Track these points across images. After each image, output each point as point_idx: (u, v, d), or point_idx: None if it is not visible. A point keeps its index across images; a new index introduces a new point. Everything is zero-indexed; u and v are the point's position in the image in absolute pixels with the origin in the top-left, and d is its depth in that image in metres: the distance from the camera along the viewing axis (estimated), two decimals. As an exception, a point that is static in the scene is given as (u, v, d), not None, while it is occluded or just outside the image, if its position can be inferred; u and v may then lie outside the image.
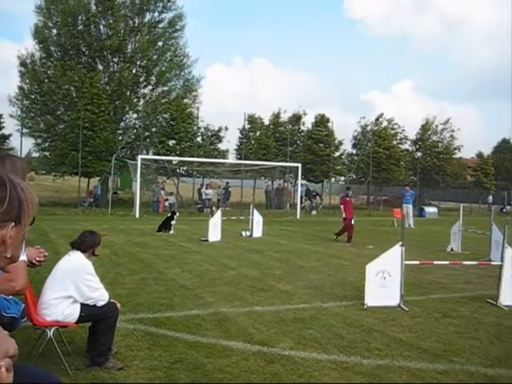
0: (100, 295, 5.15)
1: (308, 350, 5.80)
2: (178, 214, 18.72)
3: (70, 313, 5.00)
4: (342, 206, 17.59)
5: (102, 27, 33.23)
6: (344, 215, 17.28)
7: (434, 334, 6.56)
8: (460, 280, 10.50)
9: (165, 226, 17.94)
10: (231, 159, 35.07)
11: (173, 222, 17.94)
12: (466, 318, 7.47)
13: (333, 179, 39.47)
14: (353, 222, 17.08)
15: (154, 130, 33.61)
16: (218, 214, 16.76)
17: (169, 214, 18.56)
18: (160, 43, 34.91)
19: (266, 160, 32.85)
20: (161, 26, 35.05)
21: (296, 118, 38.71)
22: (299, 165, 30.72)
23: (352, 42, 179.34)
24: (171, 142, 32.04)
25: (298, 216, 28.57)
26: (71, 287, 5.00)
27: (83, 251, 5.21)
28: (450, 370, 5.30)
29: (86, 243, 5.26)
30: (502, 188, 47.93)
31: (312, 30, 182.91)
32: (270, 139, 35.36)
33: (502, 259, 8.31)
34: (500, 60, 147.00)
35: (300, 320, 6.99)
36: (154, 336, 6.07)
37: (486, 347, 6.12)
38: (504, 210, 40.33)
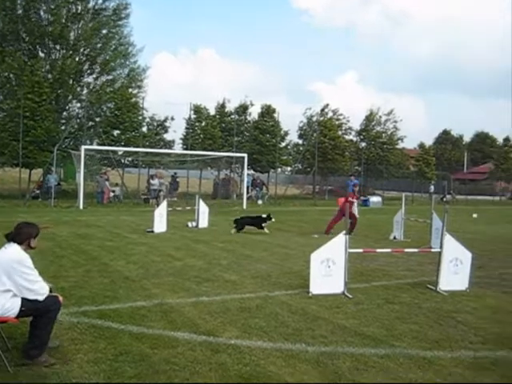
0: (39, 288, 5.00)
1: (254, 338, 5.85)
2: (273, 219, 16.64)
3: (10, 307, 4.86)
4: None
5: (42, 13, 32.31)
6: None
7: (377, 320, 6.73)
8: (402, 267, 10.79)
9: (256, 224, 16.53)
10: (177, 149, 34.76)
11: (264, 224, 16.45)
12: (407, 303, 7.69)
13: (279, 169, 39.70)
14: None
15: (98, 119, 33.00)
16: (164, 204, 16.61)
17: (264, 215, 16.75)
18: (104, 31, 34.25)
19: (212, 150, 32.72)
20: (105, 13, 34.34)
21: (243, 109, 38.70)
22: (245, 155, 30.78)
23: (298, 33, 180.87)
24: (116, 132, 31.52)
25: (245, 206, 28.64)
26: (8, 281, 4.85)
27: (19, 243, 5.05)
28: (392, 354, 5.46)
29: (21, 235, 5.08)
30: (442, 177, 49.37)
31: (258, 20, 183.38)
32: (216, 129, 35.20)
33: (441, 246, 8.58)
34: (441, 53, 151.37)
35: (246, 309, 7.04)
36: (98, 329, 5.98)
37: (425, 331, 6.32)
38: (444, 199, 41.55)
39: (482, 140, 76.03)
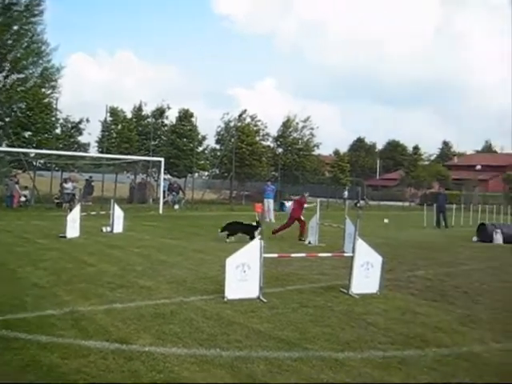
0: None
1: (168, 345, 5.78)
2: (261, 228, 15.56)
3: None
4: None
5: None
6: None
7: (291, 324, 6.83)
8: (316, 271, 11.00)
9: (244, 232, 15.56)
10: (92, 152, 33.94)
11: (256, 233, 15.06)
12: (320, 307, 7.85)
13: (196, 174, 39.55)
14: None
15: (7, 119, 31.55)
16: (77, 209, 16.15)
17: (253, 223, 15.81)
18: (15, 27, 32.77)
19: (129, 154, 32.20)
20: (16, 8, 32.89)
21: (159, 112, 38.26)
22: (162, 159, 30.46)
23: (218, 38, 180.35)
24: (27, 134, 30.32)
25: (161, 211, 28.33)
26: None
27: None
28: (305, 357, 5.55)
29: None
30: (356, 184, 50.96)
31: (178, 24, 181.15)
32: (133, 133, 34.68)
33: (353, 251, 8.83)
34: (355, 64, 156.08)
35: (160, 315, 6.95)
36: (3, 340, 5.70)
37: (337, 333, 6.49)
38: (358, 205, 42.81)
39: (394, 148, 79.53)
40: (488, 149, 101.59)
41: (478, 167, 72.53)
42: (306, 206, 17.16)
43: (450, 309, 8.15)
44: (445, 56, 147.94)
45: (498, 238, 18.97)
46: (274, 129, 45.54)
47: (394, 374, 5.21)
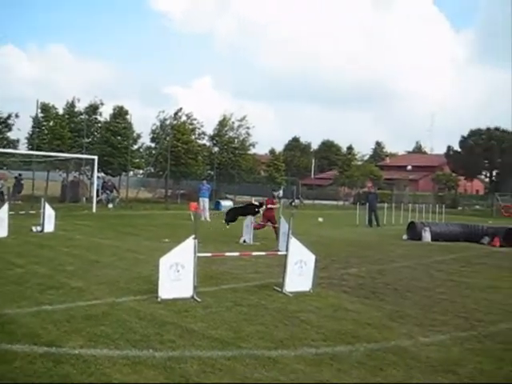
0: None
1: (99, 347, 5.67)
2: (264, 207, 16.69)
3: None
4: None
5: None
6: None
7: (225, 323, 6.83)
8: (250, 270, 11.04)
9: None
10: (22, 149, 32.79)
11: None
12: (254, 305, 7.90)
13: (131, 172, 38.92)
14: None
15: None
16: (5, 207, 15.58)
17: (256, 203, 16.86)
18: None
19: (61, 151, 31.32)
20: None
21: (93, 109, 37.35)
22: (96, 157, 29.79)
23: (156, 35, 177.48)
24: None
25: (94, 210, 27.72)
26: None
27: None
28: (238, 356, 5.57)
29: None
30: (291, 183, 51.51)
31: (115, 19, 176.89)
32: (65, 129, 33.75)
33: (287, 249, 8.93)
34: (292, 64, 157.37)
35: (92, 317, 6.80)
36: None
37: (271, 331, 6.54)
38: (293, 204, 43.25)
39: (328, 148, 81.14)
40: (418, 150, 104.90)
41: (409, 167, 74.73)
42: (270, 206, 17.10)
43: (381, 305, 8.38)
44: (378, 59, 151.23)
45: (427, 235, 19.60)
46: (210, 128, 45.44)
47: (325, 370, 5.30)
